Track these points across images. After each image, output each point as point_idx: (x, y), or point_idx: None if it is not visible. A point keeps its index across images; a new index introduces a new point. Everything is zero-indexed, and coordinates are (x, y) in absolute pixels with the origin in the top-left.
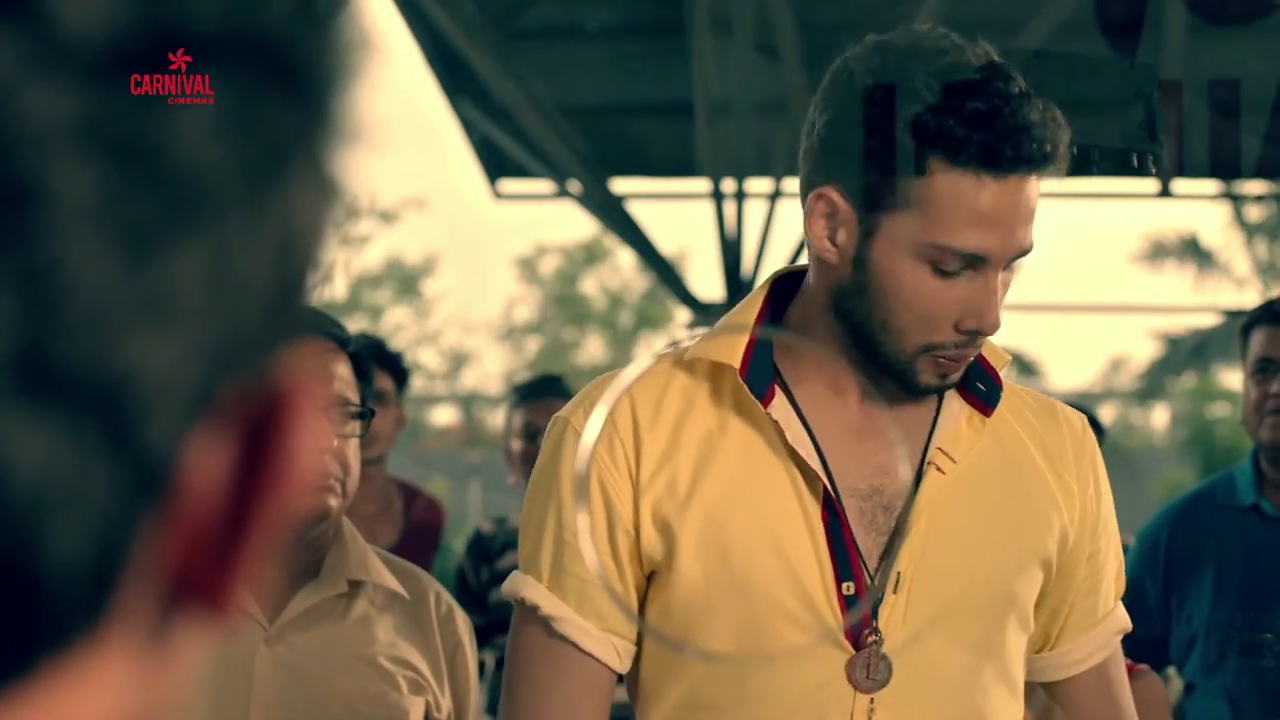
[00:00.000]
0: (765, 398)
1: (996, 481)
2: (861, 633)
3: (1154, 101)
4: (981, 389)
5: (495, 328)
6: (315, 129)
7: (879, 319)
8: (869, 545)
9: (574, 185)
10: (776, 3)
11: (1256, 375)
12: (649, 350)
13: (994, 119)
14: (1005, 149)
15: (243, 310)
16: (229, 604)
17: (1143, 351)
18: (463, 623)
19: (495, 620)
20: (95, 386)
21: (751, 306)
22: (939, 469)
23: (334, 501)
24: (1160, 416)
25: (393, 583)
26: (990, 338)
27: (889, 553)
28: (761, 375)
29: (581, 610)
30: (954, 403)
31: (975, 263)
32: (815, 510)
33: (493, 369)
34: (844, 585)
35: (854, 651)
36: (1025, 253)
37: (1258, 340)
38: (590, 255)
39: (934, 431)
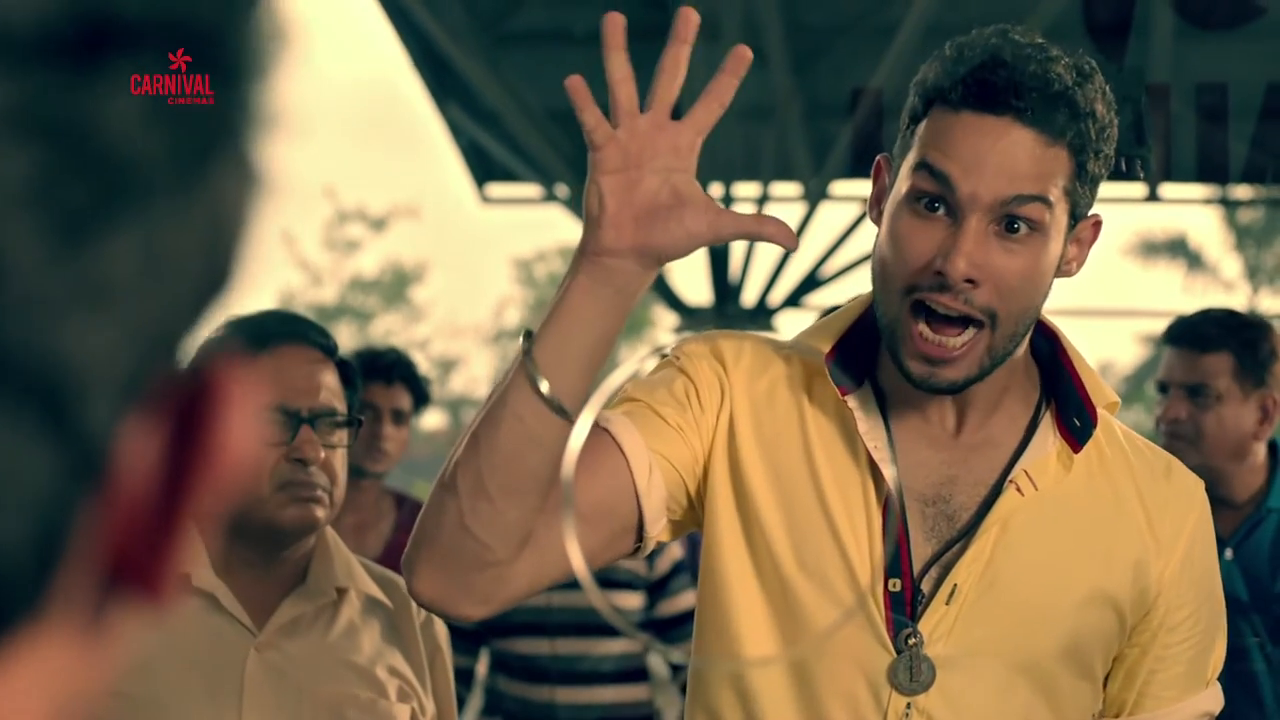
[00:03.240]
0: (847, 389)
1: (1079, 519)
2: (902, 630)
3: (1143, 106)
4: (1077, 424)
5: (483, 332)
6: (240, 116)
7: (879, 268)
8: (924, 550)
9: (561, 189)
10: (764, 6)
11: (1158, 394)
12: (634, 354)
13: (984, 64)
14: (988, 89)
15: (175, 295)
16: (165, 587)
17: (1130, 355)
18: (440, 629)
19: (486, 624)
20: (32, 372)
21: (859, 306)
22: (1019, 489)
23: (320, 512)
24: (1146, 421)
25: (376, 590)
26: (1096, 373)
27: (944, 562)
28: (849, 367)
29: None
30: (1048, 433)
31: (950, 199)
32: (876, 505)
33: (480, 373)
34: (890, 582)
35: (892, 649)
36: (1015, 204)
37: (1162, 360)
38: None
39: (1022, 454)
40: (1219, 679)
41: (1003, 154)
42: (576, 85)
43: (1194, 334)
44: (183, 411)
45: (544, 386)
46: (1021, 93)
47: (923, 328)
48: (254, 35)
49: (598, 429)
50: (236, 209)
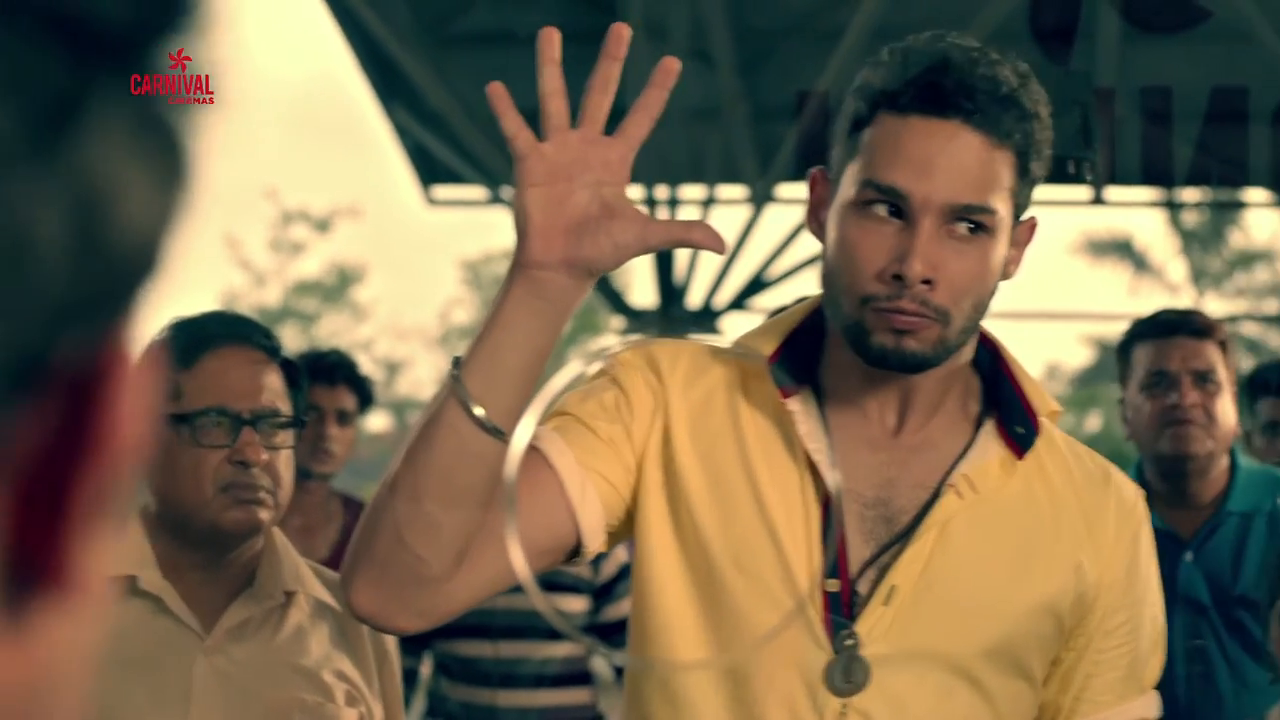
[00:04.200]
0: (788, 391)
1: (1018, 523)
2: (840, 631)
3: (1089, 109)
4: (1020, 432)
5: (429, 334)
6: (112, 84)
7: (829, 277)
8: (862, 551)
9: (507, 192)
10: (711, 8)
11: (1150, 389)
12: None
13: (931, 68)
14: (935, 93)
15: (42, 271)
16: (75, 579)
17: (1077, 357)
18: None
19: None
20: None
21: (806, 307)
22: (958, 493)
23: (264, 514)
24: (1094, 423)
25: (324, 594)
26: (1038, 382)
27: (882, 563)
28: (790, 370)
29: (565, 436)
30: (991, 439)
31: (901, 205)
32: (815, 507)
33: (426, 375)
34: (828, 582)
35: (830, 648)
36: (965, 208)
37: (1146, 354)
38: None
39: (963, 458)
40: (1180, 680)
41: (953, 157)
42: (498, 92)
43: (1190, 324)
44: (74, 394)
45: (477, 410)
46: (971, 96)
47: (886, 314)
48: (123, 2)
49: (530, 449)
50: (114, 182)
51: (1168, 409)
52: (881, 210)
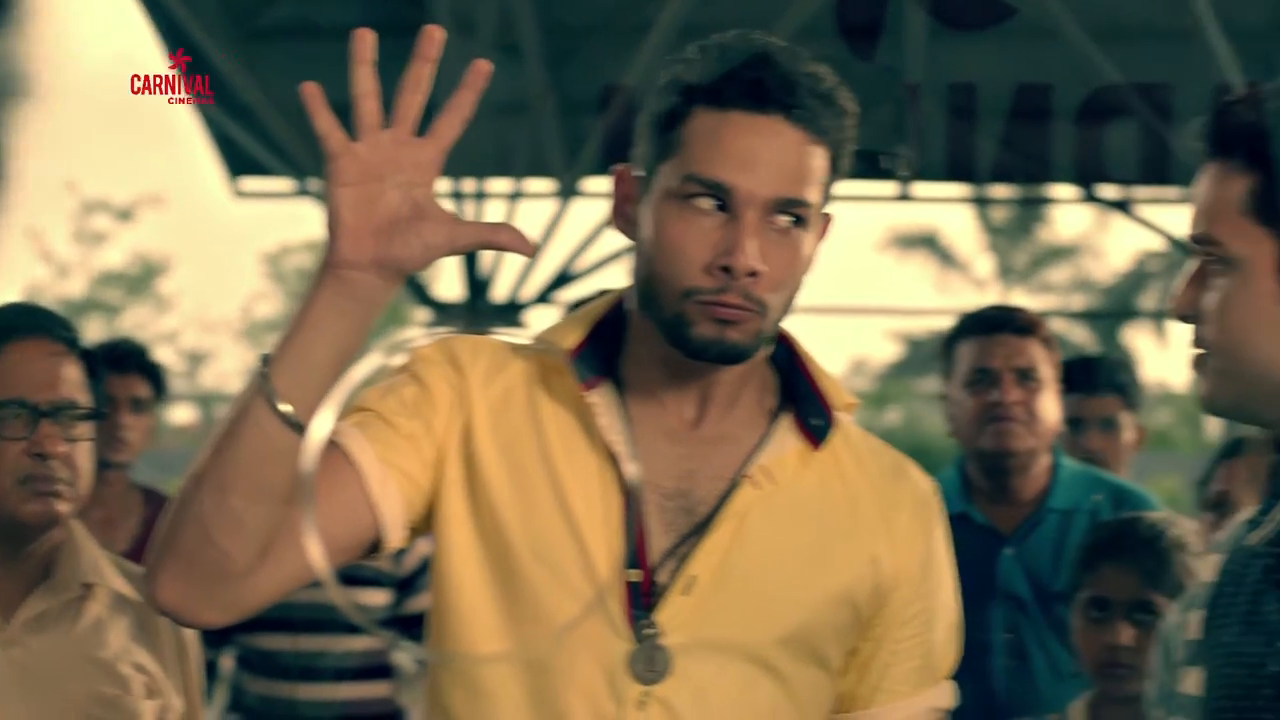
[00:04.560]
0: (590, 384)
1: (815, 514)
2: (640, 621)
3: (904, 104)
4: (816, 424)
5: (234, 326)
6: None
7: (648, 271)
8: (662, 541)
9: (314, 184)
10: (519, 2)
11: (973, 385)
12: (376, 350)
13: (753, 64)
14: (758, 88)
15: None
16: None
17: (883, 352)
18: None
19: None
20: None
21: (608, 301)
22: (755, 484)
23: (62, 506)
24: (897, 417)
25: (124, 586)
26: (834, 376)
27: (682, 553)
28: (591, 363)
29: (366, 432)
30: (787, 432)
31: (725, 199)
32: (616, 498)
33: (231, 367)
34: (629, 573)
35: (632, 637)
36: (786, 202)
37: (969, 351)
38: None
39: (760, 450)
40: (999, 673)
41: (776, 152)
42: (311, 91)
43: (1013, 321)
44: None
45: (283, 407)
46: (793, 91)
47: (710, 307)
48: None
49: (331, 445)
50: None
51: (990, 406)
52: (705, 204)
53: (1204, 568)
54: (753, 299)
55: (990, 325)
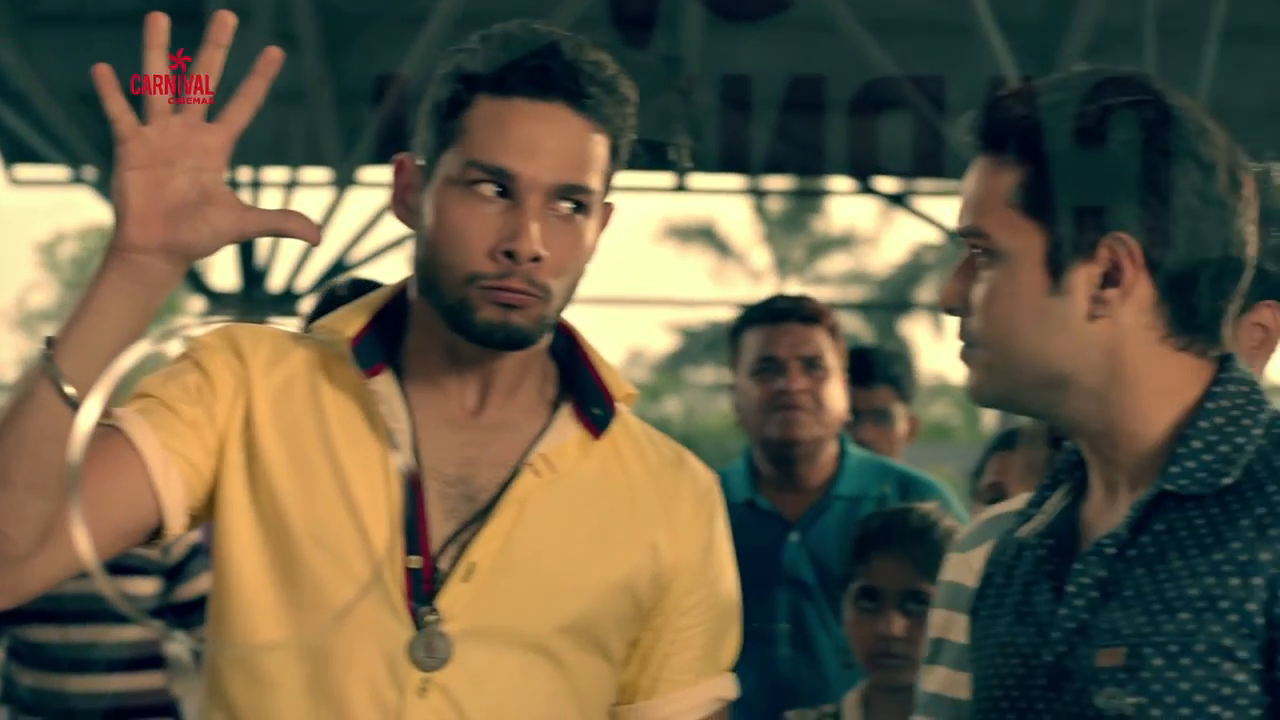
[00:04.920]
0: (372, 371)
1: (596, 503)
2: (421, 608)
3: (690, 95)
4: (596, 414)
5: (8, 316)
6: None
7: (430, 257)
8: (443, 528)
9: (89, 172)
10: None
11: (759, 374)
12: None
13: (538, 52)
14: (542, 75)
15: None
16: None
17: (660, 343)
18: None
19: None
20: None
21: (389, 291)
22: (536, 471)
23: None
24: (674, 407)
25: None
26: (614, 366)
27: (462, 540)
28: (373, 351)
29: (145, 415)
30: (568, 421)
31: (508, 185)
32: (397, 485)
33: (5, 357)
34: (410, 559)
35: (412, 624)
36: (568, 188)
37: (755, 340)
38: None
39: (541, 438)
40: (784, 660)
41: (558, 139)
42: (103, 73)
43: (800, 310)
44: None
45: (69, 390)
46: (576, 79)
47: (493, 291)
48: None
49: (113, 430)
50: None
51: (776, 394)
52: (487, 190)
53: (949, 567)
54: (536, 284)
55: (776, 314)
